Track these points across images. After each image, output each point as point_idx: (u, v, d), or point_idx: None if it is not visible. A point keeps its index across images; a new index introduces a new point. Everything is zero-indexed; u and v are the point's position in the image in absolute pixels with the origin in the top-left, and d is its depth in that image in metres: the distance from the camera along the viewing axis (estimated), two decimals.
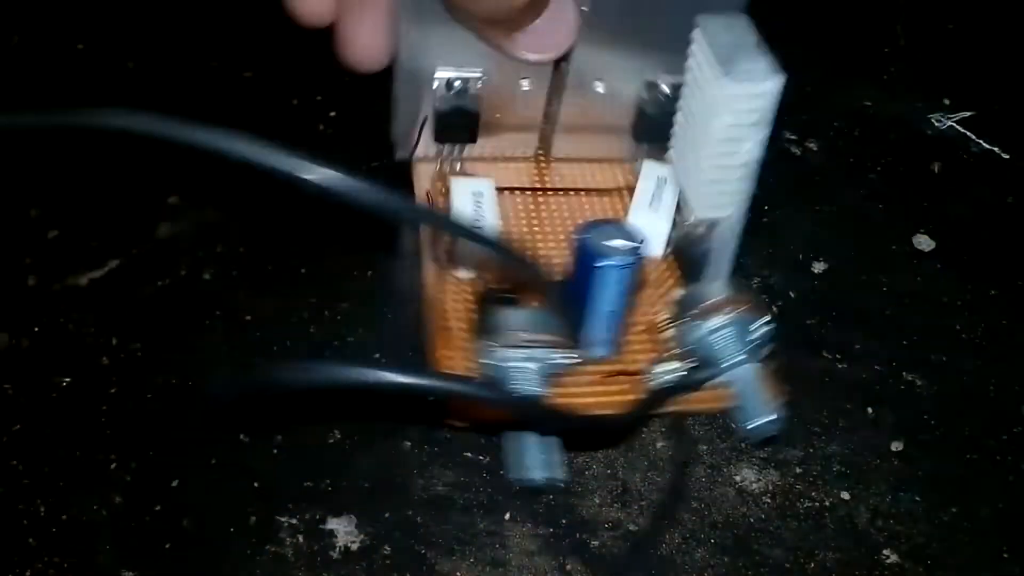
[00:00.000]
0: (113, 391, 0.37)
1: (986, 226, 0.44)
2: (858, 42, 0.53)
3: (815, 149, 0.47)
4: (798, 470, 0.36)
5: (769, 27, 0.51)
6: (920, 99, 0.50)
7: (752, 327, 0.35)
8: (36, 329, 0.39)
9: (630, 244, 0.34)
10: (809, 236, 0.43)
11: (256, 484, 0.35)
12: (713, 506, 0.35)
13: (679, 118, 0.36)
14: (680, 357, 0.36)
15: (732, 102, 0.33)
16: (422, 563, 0.33)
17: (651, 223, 0.40)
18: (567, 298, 0.35)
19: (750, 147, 0.34)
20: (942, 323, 0.40)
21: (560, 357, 0.35)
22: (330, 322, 0.39)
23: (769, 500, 0.35)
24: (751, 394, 0.34)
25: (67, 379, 0.37)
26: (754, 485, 0.35)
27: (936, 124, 0.48)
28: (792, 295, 0.41)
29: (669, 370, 0.36)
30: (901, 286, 0.41)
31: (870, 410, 0.37)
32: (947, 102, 0.49)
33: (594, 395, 0.36)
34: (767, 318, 0.35)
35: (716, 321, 0.35)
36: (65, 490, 0.34)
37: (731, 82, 0.32)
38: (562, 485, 0.34)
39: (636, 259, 0.34)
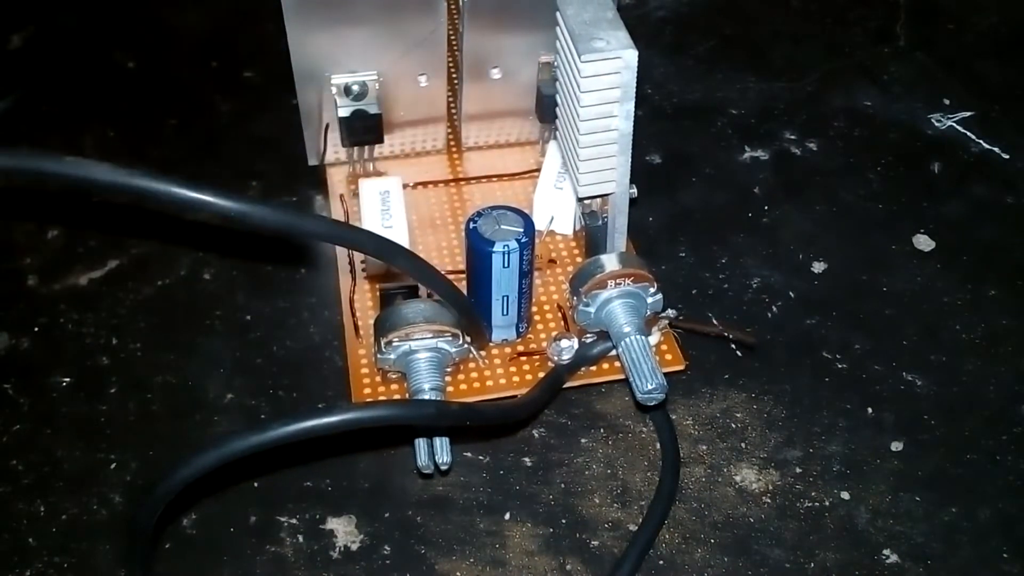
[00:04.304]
0: (113, 391, 0.37)
1: (986, 226, 0.44)
2: (858, 42, 0.53)
3: (815, 149, 0.47)
4: (798, 470, 0.36)
5: (769, 27, 0.51)
6: (920, 99, 0.50)
7: (644, 298, 0.36)
8: (36, 329, 0.39)
9: (516, 229, 0.35)
10: (809, 236, 0.43)
11: (256, 484, 0.35)
12: (713, 506, 0.35)
13: (558, 98, 0.37)
14: (578, 332, 0.37)
15: (591, 79, 0.33)
16: (422, 563, 0.33)
17: (558, 202, 0.41)
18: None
19: (619, 121, 0.34)
20: (942, 323, 0.40)
21: (459, 345, 0.35)
22: (329, 322, 0.39)
23: (769, 500, 0.35)
24: (641, 363, 0.34)
25: (67, 379, 0.38)
26: (754, 485, 0.35)
27: (936, 124, 0.48)
28: (792, 295, 0.41)
29: (567, 347, 0.36)
30: (901, 286, 0.41)
31: (870, 410, 0.37)
32: (947, 102, 0.50)
33: (495, 379, 0.37)
34: (654, 288, 0.36)
35: (607, 294, 0.36)
36: (65, 490, 0.34)
37: (587, 60, 0.33)
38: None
39: (522, 243, 0.35)
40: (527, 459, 0.36)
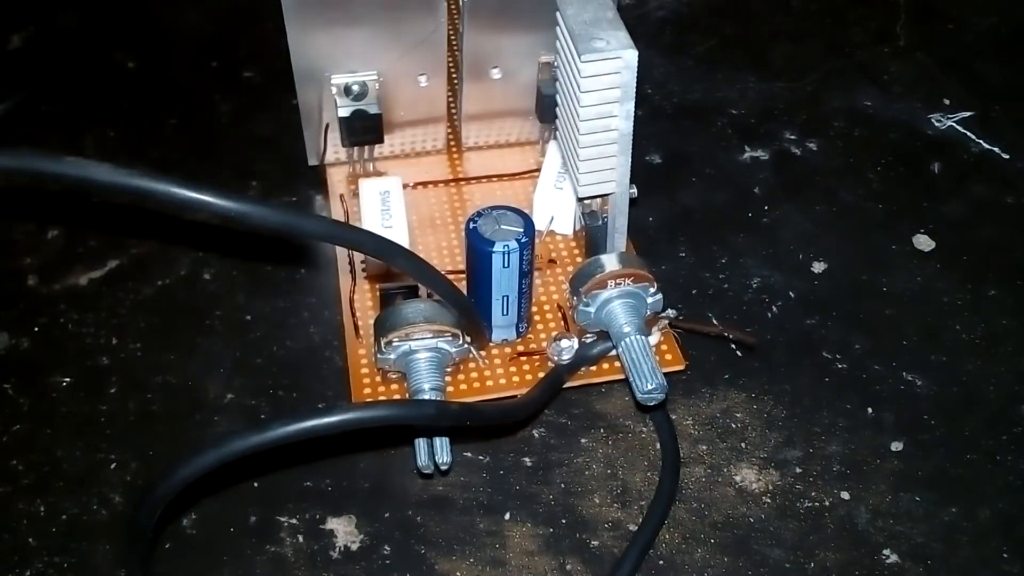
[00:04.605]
0: (113, 391, 0.37)
1: (986, 226, 0.44)
2: (858, 42, 0.53)
3: (815, 149, 0.47)
4: (798, 470, 0.36)
5: (769, 27, 0.51)
6: (920, 99, 0.50)
7: (644, 298, 0.36)
8: (36, 329, 0.39)
9: (516, 229, 0.35)
10: (809, 236, 0.43)
11: (256, 484, 0.35)
12: (713, 506, 0.35)
13: (558, 98, 0.37)
14: (578, 332, 0.37)
15: (591, 79, 0.33)
16: (422, 563, 0.33)
17: (558, 202, 0.41)
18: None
19: (619, 121, 0.34)
20: (942, 323, 0.40)
21: (459, 345, 0.35)
22: (329, 322, 0.39)
23: (769, 500, 0.35)
24: (641, 363, 0.34)
25: (67, 379, 0.38)
26: (754, 485, 0.35)
27: (936, 124, 0.48)
28: (792, 295, 0.41)
29: (567, 347, 0.36)
30: (901, 286, 0.41)
31: (870, 410, 0.37)
32: (947, 102, 0.50)
33: (495, 379, 0.37)
34: (654, 288, 0.36)
35: (607, 294, 0.36)
36: (65, 490, 0.34)
37: (587, 60, 0.33)
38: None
39: (522, 243, 0.35)
40: (527, 459, 0.36)
